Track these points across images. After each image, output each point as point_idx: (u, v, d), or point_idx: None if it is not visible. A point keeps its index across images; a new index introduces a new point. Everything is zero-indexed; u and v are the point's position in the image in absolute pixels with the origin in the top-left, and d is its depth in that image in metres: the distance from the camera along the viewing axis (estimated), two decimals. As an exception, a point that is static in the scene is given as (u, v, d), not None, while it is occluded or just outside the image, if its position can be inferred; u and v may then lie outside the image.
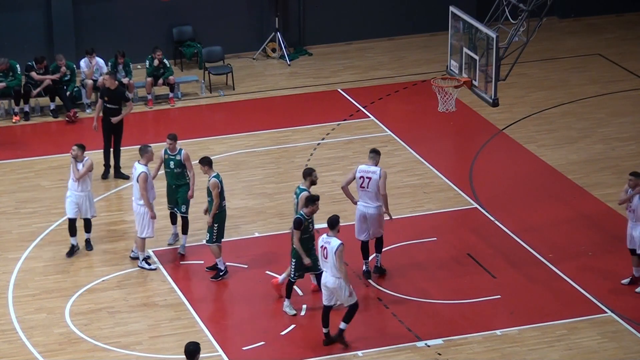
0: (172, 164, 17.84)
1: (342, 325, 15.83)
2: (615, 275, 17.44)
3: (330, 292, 15.66)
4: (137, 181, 17.39)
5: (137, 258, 17.83)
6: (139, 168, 17.51)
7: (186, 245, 18.06)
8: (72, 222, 17.99)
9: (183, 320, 16.63)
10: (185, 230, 18.08)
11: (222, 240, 17.41)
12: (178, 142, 17.97)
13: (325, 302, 15.79)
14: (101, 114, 20.26)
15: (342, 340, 15.86)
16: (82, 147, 17.90)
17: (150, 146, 17.67)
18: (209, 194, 17.13)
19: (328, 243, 15.47)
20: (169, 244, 18.22)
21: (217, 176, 17.12)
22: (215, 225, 17.18)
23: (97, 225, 18.66)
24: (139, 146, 17.78)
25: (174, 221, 18.25)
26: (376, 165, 17.05)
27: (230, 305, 17.12)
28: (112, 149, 20.31)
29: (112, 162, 20.37)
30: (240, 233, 18.77)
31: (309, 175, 16.72)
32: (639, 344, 15.94)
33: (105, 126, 20.22)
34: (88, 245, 18.18)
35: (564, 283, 17.02)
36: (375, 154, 17.15)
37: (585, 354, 15.79)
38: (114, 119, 20.02)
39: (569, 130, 22.20)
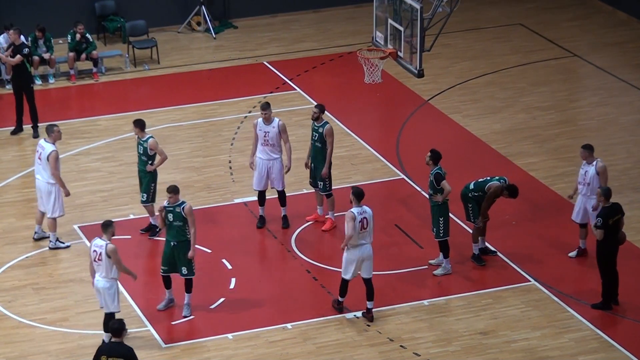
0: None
1: (370, 304, 15.94)
2: (539, 244, 17.70)
3: (362, 262, 15.65)
4: (48, 160, 17.08)
5: (42, 238, 17.44)
6: (47, 147, 17.15)
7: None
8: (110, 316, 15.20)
9: (111, 296, 16.52)
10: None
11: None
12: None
13: (350, 277, 15.76)
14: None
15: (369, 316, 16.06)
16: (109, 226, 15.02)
17: (56, 125, 17.46)
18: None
19: (365, 212, 15.59)
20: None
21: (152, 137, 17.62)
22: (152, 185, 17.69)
23: (18, 201, 18.45)
24: (48, 124, 17.53)
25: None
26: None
27: (158, 279, 17.02)
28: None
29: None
30: (168, 208, 18.66)
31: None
32: (561, 312, 16.21)
33: (14, 84, 21.01)
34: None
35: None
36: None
37: (510, 323, 16.02)
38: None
39: (492, 100, 22.42)
